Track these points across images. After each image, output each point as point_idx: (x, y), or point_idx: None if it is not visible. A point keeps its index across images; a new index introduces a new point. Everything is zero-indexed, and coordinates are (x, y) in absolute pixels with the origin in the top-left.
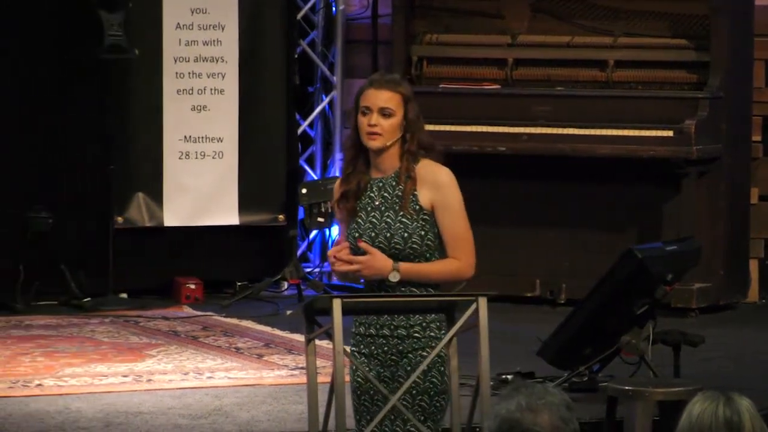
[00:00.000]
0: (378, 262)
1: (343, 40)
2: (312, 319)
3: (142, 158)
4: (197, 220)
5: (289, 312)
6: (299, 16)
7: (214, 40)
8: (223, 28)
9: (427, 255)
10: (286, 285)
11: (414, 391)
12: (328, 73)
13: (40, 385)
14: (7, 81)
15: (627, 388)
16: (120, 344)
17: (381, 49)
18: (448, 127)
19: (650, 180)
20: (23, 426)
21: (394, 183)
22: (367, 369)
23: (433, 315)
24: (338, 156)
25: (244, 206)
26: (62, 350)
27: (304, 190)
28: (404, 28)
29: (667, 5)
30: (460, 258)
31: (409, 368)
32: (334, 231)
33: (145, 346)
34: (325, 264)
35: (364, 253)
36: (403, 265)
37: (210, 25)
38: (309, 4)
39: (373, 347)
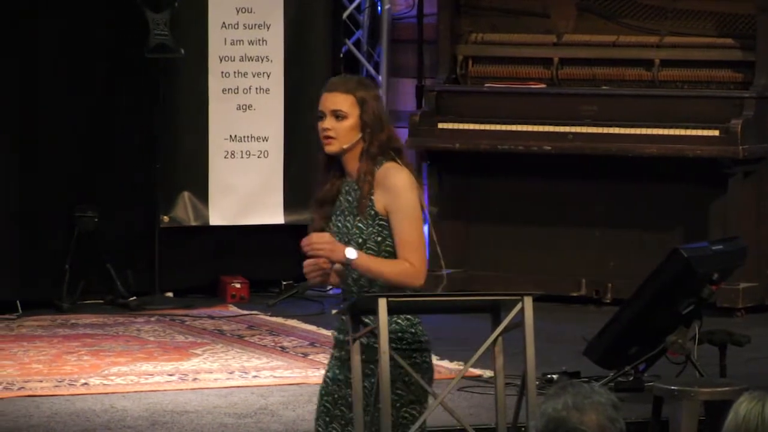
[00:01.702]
0: (333, 242)
1: (388, 39)
2: (357, 319)
3: (188, 157)
4: (243, 219)
5: (334, 311)
6: (345, 15)
7: (259, 40)
8: (268, 28)
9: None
10: None
11: (378, 404)
12: (373, 72)
13: (86, 383)
14: (54, 81)
15: (673, 387)
16: (166, 343)
17: (426, 48)
18: (493, 127)
19: (696, 180)
20: (69, 424)
21: (356, 186)
22: (337, 371)
23: (393, 325)
24: None
25: (289, 205)
26: (108, 349)
27: None
28: (450, 28)
29: (713, 4)
30: (411, 263)
31: (373, 380)
32: None
33: (191, 345)
34: None
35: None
36: (360, 253)
37: (255, 25)
38: (354, 4)
39: (343, 352)
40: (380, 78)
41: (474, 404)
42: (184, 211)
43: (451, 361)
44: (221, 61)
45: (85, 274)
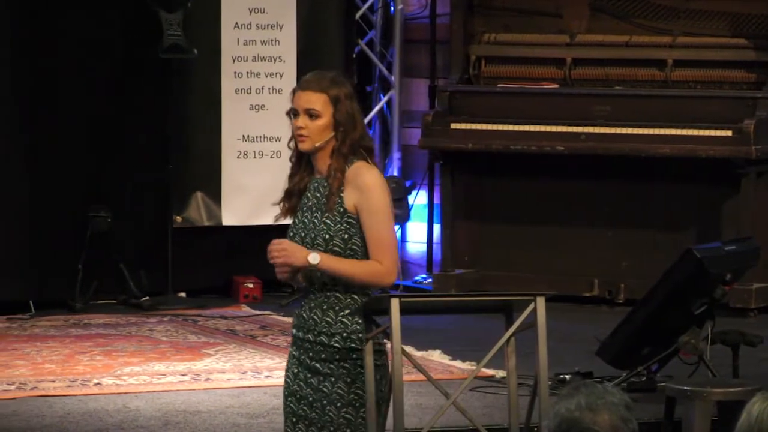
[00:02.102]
0: (292, 248)
1: (401, 39)
2: (370, 319)
3: (201, 158)
4: (255, 219)
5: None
6: (357, 15)
7: (272, 40)
8: (281, 28)
9: (354, 259)
10: None
11: (338, 404)
12: (386, 72)
13: (98, 383)
14: (67, 81)
15: (685, 388)
16: (178, 343)
17: (439, 48)
18: (506, 127)
19: (709, 180)
20: (82, 424)
21: (325, 183)
22: (297, 370)
23: (354, 326)
24: (396, 155)
25: None
26: (121, 349)
27: None
28: (462, 28)
29: (726, 4)
30: (382, 262)
31: (332, 379)
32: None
33: (204, 345)
34: None
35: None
36: (324, 255)
37: (268, 25)
38: (367, 4)
39: (301, 350)
40: (393, 78)
41: (486, 404)
42: (196, 211)
43: (464, 361)
44: (234, 61)
45: (98, 274)
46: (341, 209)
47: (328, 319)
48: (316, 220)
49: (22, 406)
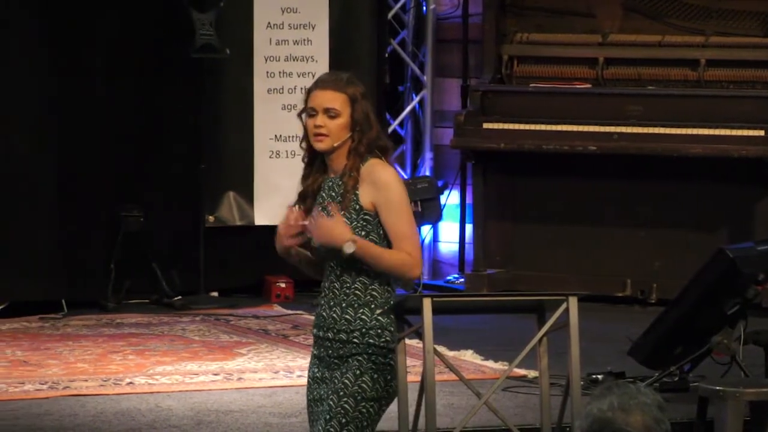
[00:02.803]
0: (338, 227)
1: (433, 39)
2: (402, 318)
3: (233, 157)
4: None
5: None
6: (390, 15)
7: (304, 40)
8: (313, 28)
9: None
10: None
11: (341, 392)
12: (418, 72)
13: (131, 383)
14: (100, 81)
15: (718, 388)
16: (211, 343)
17: (471, 48)
18: (538, 127)
19: (741, 179)
20: (114, 424)
21: (340, 182)
22: (316, 370)
23: (374, 321)
24: (428, 155)
25: None
26: (153, 348)
27: None
28: (495, 28)
29: (759, 4)
30: (410, 254)
31: (344, 370)
32: (425, 230)
33: (236, 345)
34: None
35: (318, 255)
36: (361, 240)
37: (300, 25)
38: (399, 4)
39: (321, 349)
40: (425, 78)
41: (518, 404)
42: (229, 210)
43: (496, 361)
44: (266, 61)
45: (131, 273)
46: (357, 206)
47: (347, 316)
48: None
49: (55, 406)
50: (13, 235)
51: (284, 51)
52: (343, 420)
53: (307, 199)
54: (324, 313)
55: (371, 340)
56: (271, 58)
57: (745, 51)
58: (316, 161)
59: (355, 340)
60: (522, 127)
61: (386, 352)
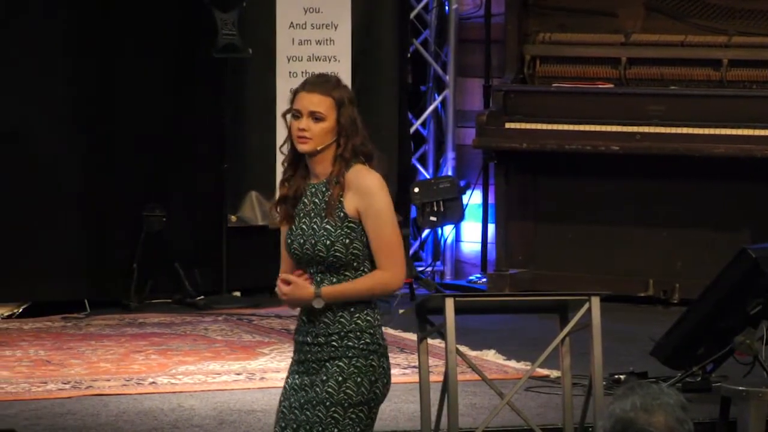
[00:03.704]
0: (299, 291)
1: (455, 39)
2: (424, 318)
3: (256, 157)
4: None
5: (401, 311)
6: (412, 15)
7: (327, 39)
8: (336, 28)
9: (354, 264)
10: None
11: (327, 403)
12: (440, 72)
13: (153, 382)
14: (122, 81)
15: (740, 388)
16: (233, 342)
17: (494, 48)
18: (561, 126)
19: (764, 179)
20: (137, 423)
21: (324, 189)
22: (297, 376)
23: (353, 324)
24: (450, 155)
25: None
26: (176, 348)
27: (416, 189)
28: (517, 27)
29: None
30: (387, 268)
31: (324, 377)
32: (447, 230)
33: (259, 344)
34: (438, 263)
35: (297, 261)
36: (326, 290)
37: (323, 25)
38: (422, 4)
39: (301, 354)
40: (447, 78)
41: (541, 404)
42: (251, 210)
43: (518, 361)
44: (289, 61)
45: (153, 273)
46: (342, 214)
47: (326, 319)
48: (315, 226)
49: (77, 405)
50: (36, 235)
51: (307, 51)
52: (335, 430)
53: (287, 203)
54: (304, 318)
55: (350, 343)
56: (294, 58)
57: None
58: (299, 165)
59: (334, 343)
60: (544, 127)
61: (367, 354)
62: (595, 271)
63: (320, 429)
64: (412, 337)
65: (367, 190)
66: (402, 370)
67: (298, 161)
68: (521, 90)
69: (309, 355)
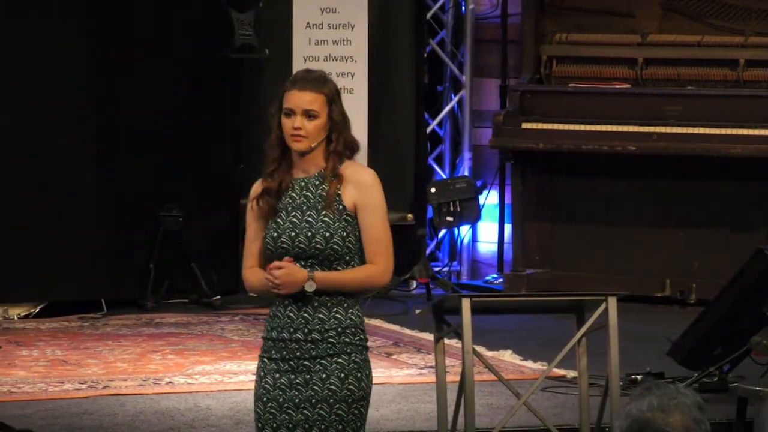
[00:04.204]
0: (293, 274)
1: (472, 39)
2: (441, 319)
3: None
4: None
5: (418, 311)
6: (428, 15)
7: (343, 40)
8: (352, 28)
9: (347, 258)
10: (414, 284)
11: (331, 400)
12: (457, 72)
13: (170, 382)
14: (138, 81)
15: (757, 388)
16: (249, 342)
17: (510, 48)
18: (577, 127)
19: None
20: (154, 423)
21: (317, 182)
22: (277, 375)
23: (348, 321)
24: (467, 155)
25: None
26: (192, 348)
27: (432, 190)
28: (534, 28)
29: None
30: (377, 262)
31: (324, 375)
32: (463, 230)
33: None
34: (454, 263)
35: (280, 254)
36: (319, 274)
37: (340, 25)
38: (438, 4)
39: (285, 352)
40: (464, 78)
41: (557, 404)
42: None
43: (535, 361)
44: (305, 61)
45: (170, 273)
46: (340, 207)
47: (320, 315)
48: (311, 219)
49: (94, 405)
50: (53, 235)
51: (323, 51)
52: (340, 426)
53: (271, 196)
54: (291, 315)
55: (347, 339)
56: (310, 58)
57: None
58: (282, 160)
59: (331, 339)
60: (561, 127)
61: (361, 349)
62: (611, 272)
63: (322, 427)
64: (429, 337)
65: (365, 184)
66: (419, 371)
67: (283, 157)
68: (538, 90)
69: (298, 353)
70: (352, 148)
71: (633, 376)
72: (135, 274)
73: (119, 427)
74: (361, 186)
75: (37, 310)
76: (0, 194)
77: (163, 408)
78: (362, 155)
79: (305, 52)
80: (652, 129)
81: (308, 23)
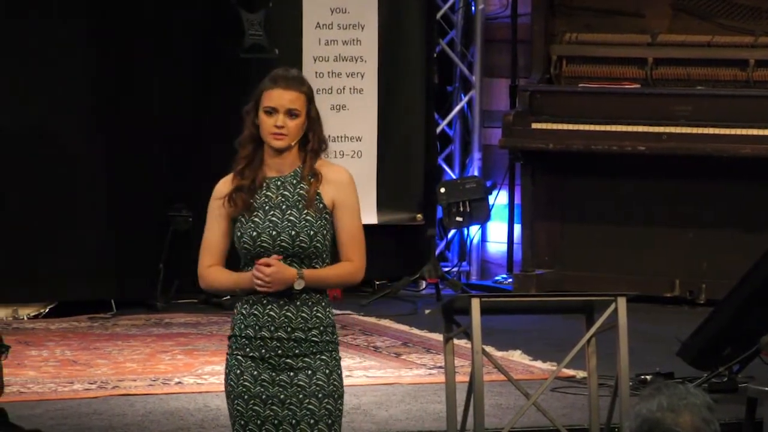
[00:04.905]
0: (282, 272)
1: (482, 39)
2: (450, 319)
3: None
4: None
5: (427, 311)
6: (438, 15)
7: (353, 40)
8: (362, 28)
9: (324, 255)
10: (424, 284)
11: (320, 395)
12: (467, 72)
13: (179, 382)
14: (148, 81)
15: (767, 389)
16: None
17: (520, 48)
18: (587, 127)
19: None
20: (163, 423)
21: (294, 181)
22: (256, 373)
23: (328, 319)
24: (477, 155)
25: (382, 205)
26: (202, 348)
27: (442, 190)
28: (544, 28)
29: None
30: (355, 260)
31: (309, 372)
32: (473, 230)
33: None
34: (464, 263)
35: (260, 253)
36: (307, 272)
37: (349, 25)
38: (448, 4)
39: (263, 350)
40: (474, 78)
41: (567, 405)
42: None
43: (544, 361)
44: (315, 61)
45: (180, 273)
46: (321, 205)
47: (303, 314)
48: (292, 218)
49: (104, 405)
50: (62, 235)
51: (333, 51)
52: (329, 421)
53: (244, 192)
54: (272, 313)
55: (328, 337)
56: (320, 59)
57: None
58: (255, 157)
59: (315, 338)
60: (571, 127)
61: (338, 348)
62: (621, 272)
63: (311, 422)
64: (438, 337)
65: (343, 183)
66: (428, 371)
67: (255, 154)
68: (547, 90)
69: (279, 351)
70: (324, 146)
71: (642, 377)
72: (144, 274)
73: (129, 427)
74: (339, 185)
75: (47, 310)
76: (8, 195)
77: (172, 408)
78: (371, 156)
79: (315, 52)
80: (661, 129)
81: (318, 23)
